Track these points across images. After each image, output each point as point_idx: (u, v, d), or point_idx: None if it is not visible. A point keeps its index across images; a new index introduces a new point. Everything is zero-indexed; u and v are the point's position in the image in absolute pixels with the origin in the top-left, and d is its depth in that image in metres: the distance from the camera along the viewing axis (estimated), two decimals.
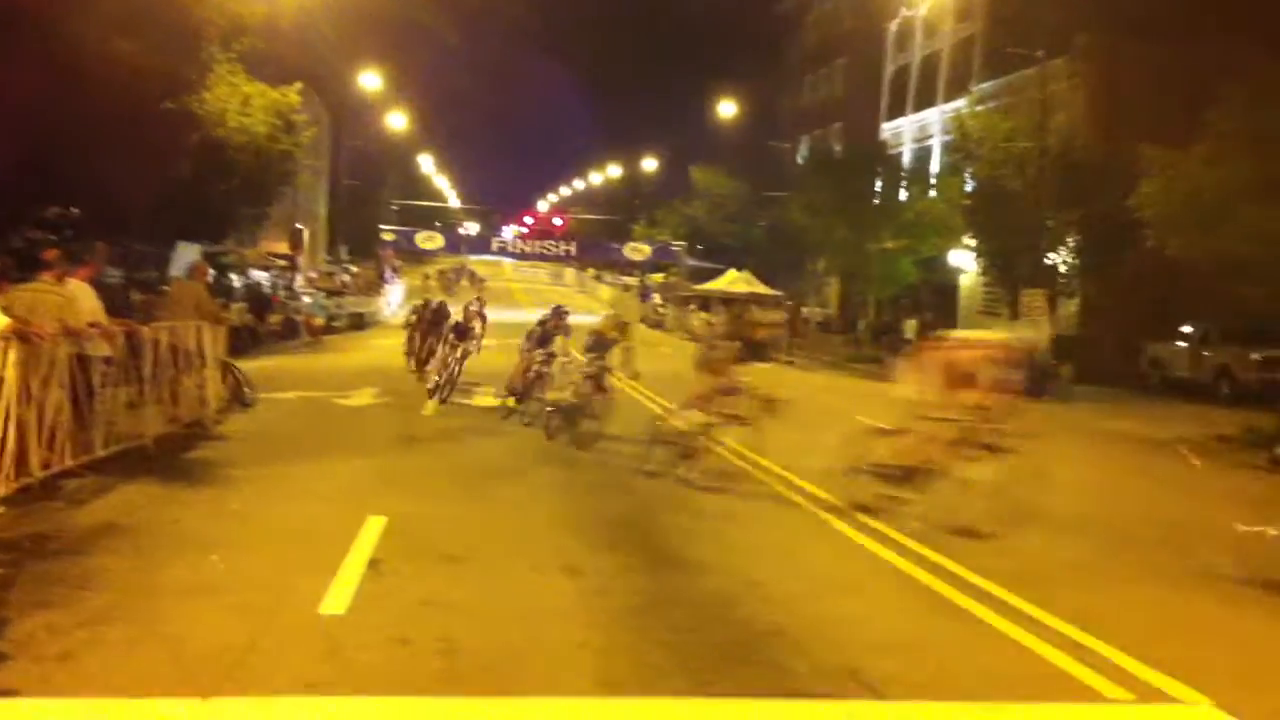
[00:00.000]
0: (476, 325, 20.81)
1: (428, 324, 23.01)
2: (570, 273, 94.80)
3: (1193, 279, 24.67)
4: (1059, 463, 13.15)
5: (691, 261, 66.32)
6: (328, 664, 6.06)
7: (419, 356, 23.00)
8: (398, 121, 67.29)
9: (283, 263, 44.57)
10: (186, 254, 28.44)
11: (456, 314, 21.61)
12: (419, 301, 25.89)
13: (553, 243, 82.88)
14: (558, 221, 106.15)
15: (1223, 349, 29.25)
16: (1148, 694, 6.40)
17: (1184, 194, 22.51)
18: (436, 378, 19.88)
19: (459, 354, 19.75)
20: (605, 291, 74.53)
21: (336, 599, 7.25)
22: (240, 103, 27.95)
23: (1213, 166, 21.88)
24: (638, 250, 73.12)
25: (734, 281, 52.47)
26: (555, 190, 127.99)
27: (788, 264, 52.74)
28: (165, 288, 19.39)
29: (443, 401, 18.81)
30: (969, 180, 36.58)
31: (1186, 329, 31.03)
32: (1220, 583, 9.26)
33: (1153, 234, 24.06)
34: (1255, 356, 27.74)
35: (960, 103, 41.54)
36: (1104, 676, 6.59)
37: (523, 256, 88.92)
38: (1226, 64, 23.19)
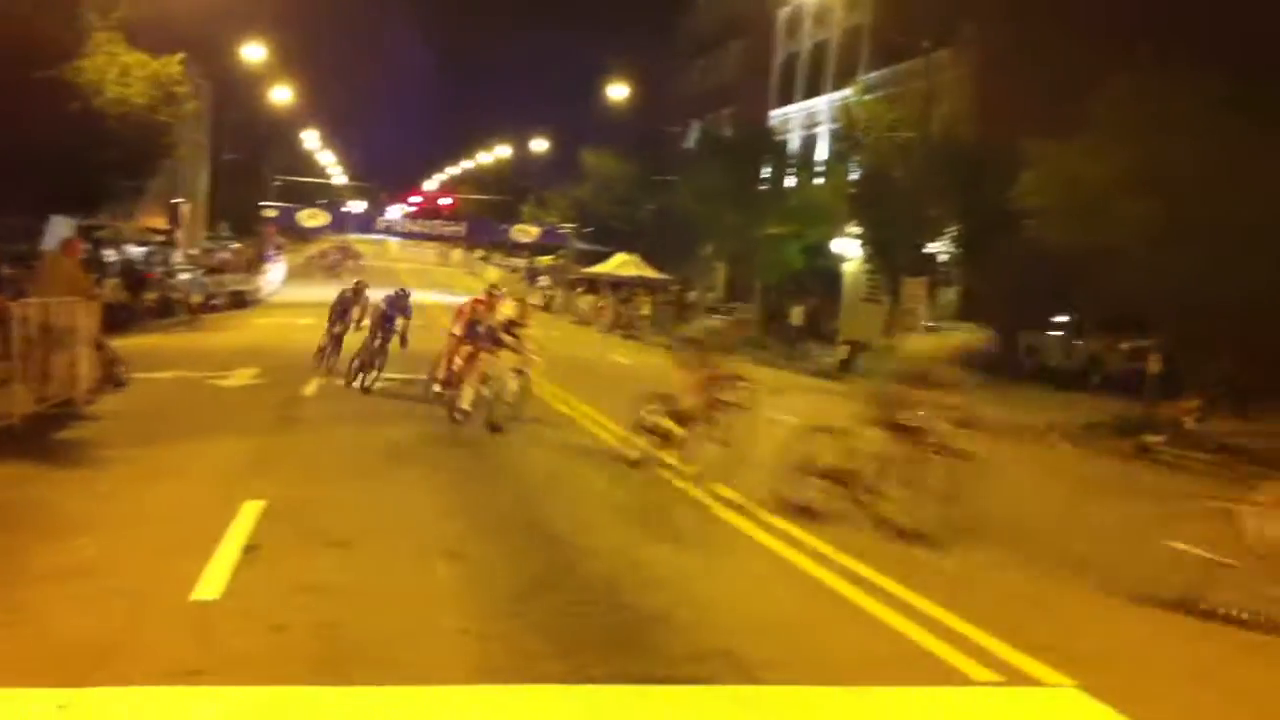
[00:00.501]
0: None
1: (380, 318, 18.66)
2: (457, 253, 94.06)
3: (1070, 269, 25.27)
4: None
5: (580, 244, 66.23)
6: (200, 651, 5.94)
7: (363, 359, 18.48)
8: (283, 95, 65.86)
9: (160, 238, 43.40)
10: (60, 227, 27.58)
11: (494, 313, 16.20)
12: (349, 285, 21.10)
13: (440, 222, 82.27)
14: (446, 201, 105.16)
15: (1094, 338, 30.18)
16: (1015, 677, 6.58)
17: (1064, 185, 23.08)
18: (472, 393, 14.95)
19: (520, 367, 15.39)
20: (493, 273, 74.13)
21: (211, 584, 7.12)
22: (119, 72, 27.11)
23: (1092, 159, 22.46)
24: (526, 232, 72.83)
25: (622, 265, 52.66)
26: (443, 170, 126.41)
27: (677, 248, 52.92)
28: (36, 262, 18.78)
29: (494, 430, 14.56)
30: (855, 168, 37.07)
31: (1060, 318, 31.89)
32: (1091, 568, 9.56)
33: (1033, 224, 24.64)
34: (1124, 346, 28.63)
35: (848, 91, 42.04)
36: (974, 660, 6.76)
37: (409, 236, 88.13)
38: (1108, 57, 23.77)
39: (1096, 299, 26.64)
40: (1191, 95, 20.96)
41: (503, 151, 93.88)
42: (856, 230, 36.89)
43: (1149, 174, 21.16)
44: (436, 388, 16.43)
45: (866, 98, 37.99)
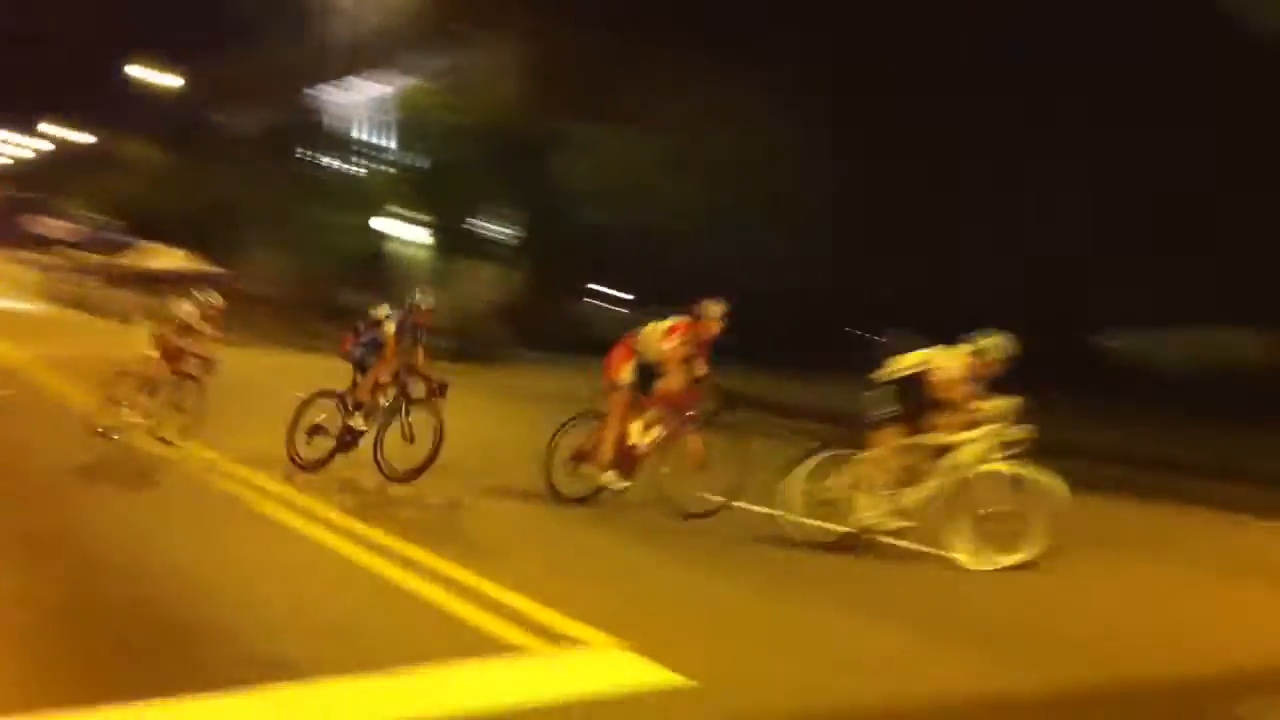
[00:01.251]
0: None
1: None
2: None
3: (620, 247, 26.43)
4: (478, 421, 13.80)
5: (122, 238, 62.47)
6: None
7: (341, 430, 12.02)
8: None
9: None
10: None
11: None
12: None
13: None
14: None
15: (640, 311, 31.96)
16: (561, 641, 6.74)
17: (601, 168, 24.14)
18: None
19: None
20: (30, 275, 68.20)
21: None
22: None
23: (625, 143, 23.59)
24: (61, 227, 67.88)
25: (170, 258, 50.41)
26: None
27: (227, 239, 50.95)
28: None
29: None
30: (413, 153, 36.99)
31: (614, 292, 33.45)
32: (644, 528, 10.03)
33: (580, 206, 25.59)
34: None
35: (403, 78, 41.81)
36: (523, 630, 6.87)
37: None
38: (646, 49, 24.96)
39: (642, 275, 28.05)
40: (735, 86, 22.43)
41: (31, 143, 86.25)
42: (415, 214, 36.90)
43: (679, 156, 22.49)
44: (614, 483, 11.02)
45: (422, 84, 37.98)
